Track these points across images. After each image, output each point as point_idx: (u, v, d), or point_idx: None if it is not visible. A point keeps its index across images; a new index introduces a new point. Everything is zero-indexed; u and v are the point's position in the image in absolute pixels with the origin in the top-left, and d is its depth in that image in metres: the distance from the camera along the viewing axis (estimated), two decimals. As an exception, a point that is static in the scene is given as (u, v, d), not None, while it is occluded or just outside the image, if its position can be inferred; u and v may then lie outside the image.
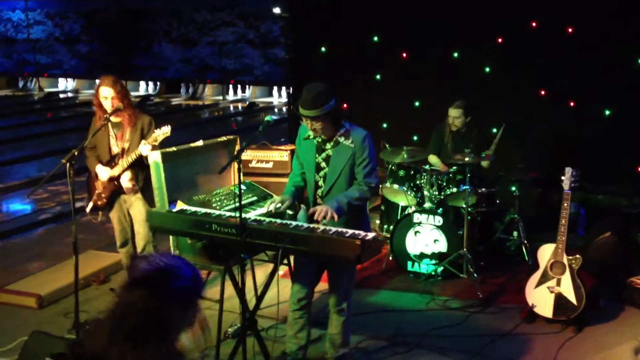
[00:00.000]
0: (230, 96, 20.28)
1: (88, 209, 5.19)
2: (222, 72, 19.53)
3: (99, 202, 5.16)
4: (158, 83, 21.01)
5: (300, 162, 4.26)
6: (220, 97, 20.05)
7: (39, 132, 14.85)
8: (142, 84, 21.22)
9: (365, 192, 4.07)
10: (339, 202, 3.98)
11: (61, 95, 21.23)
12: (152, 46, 20.17)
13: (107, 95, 4.94)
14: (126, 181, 5.07)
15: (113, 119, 4.99)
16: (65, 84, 22.24)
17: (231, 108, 19.16)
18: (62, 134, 14.33)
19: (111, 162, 5.09)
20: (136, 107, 5.15)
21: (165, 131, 4.80)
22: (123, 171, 5.03)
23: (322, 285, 4.59)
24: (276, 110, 18.54)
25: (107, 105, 4.95)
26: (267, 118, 4.27)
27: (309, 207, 4.20)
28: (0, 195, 9.60)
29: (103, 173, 5.08)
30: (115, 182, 5.09)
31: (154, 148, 4.78)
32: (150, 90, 21.07)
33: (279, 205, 4.13)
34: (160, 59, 20.18)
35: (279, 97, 19.50)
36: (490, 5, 7.38)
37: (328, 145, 4.11)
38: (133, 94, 20.22)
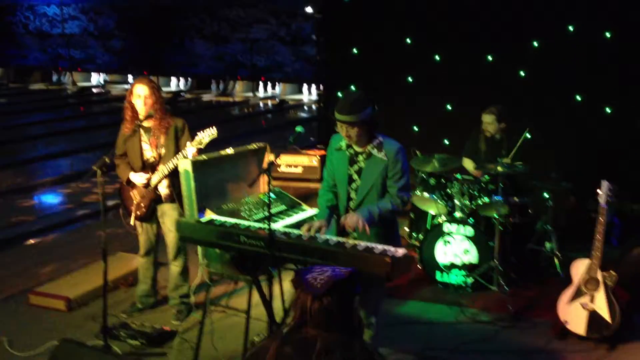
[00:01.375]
0: (261, 93, 20.31)
1: (132, 222, 5.14)
2: (253, 69, 19.56)
3: (139, 212, 5.09)
4: (189, 79, 21.14)
5: (332, 173, 4.21)
6: (251, 94, 20.10)
7: (71, 127, 15.01)
8: (174, 79, 21.38)
9: (398, 205, 4.02)
10: (370, 212, 3.92)
11: (94, 90, 21.50)
12: (184, 42, 20.28)
13: (141, 93, 4.85)
14: (164, 188, 5.00)
15: (146, 123, 4.94)
16: (98, 79, 22.50)
17: (261, 105, 19.19)
18: (94, 130, 14.50)
19: (144, 169, 5.01)
20: (168, 111, 5.05)
21: (211, 133, 4.70)
22: (163, 178, 4.96)
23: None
24: (306, 107, 18.53)
25: (140, 104, 4.87)
26: (298, 129, 4.22)
27: (339, 218, 4.15)
28: (33, 192, 9.71)
29: (139, 179, 4.99)
30: (155, 190, 5.03)
31: (199, 151, 4.71)
32: (182, 86, 21.21)
33: (317, 233, 4.04)
34: (192, 55, 20.28)
35: (309, 95, 19.47)
36: (526, 8, 7.24)
37: (360, 157, 4.06)
38: (164, 89, 20.47)
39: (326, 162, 4.27)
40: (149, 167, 5.01)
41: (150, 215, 5.15)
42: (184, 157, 4.71)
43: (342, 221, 3.98)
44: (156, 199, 5.08)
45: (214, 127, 4.75)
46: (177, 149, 4.94)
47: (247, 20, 19.38)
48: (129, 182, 5.07)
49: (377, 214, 3.94)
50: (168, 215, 5.09)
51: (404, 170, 4.01)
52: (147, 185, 5.02)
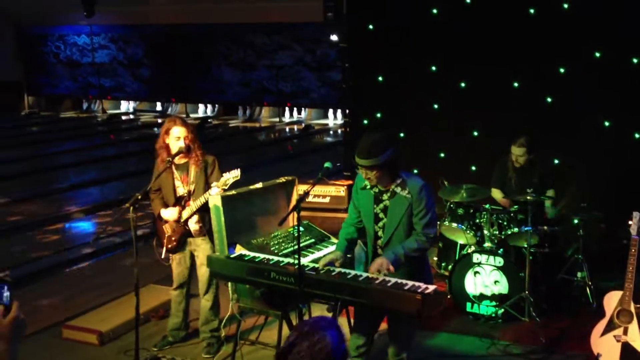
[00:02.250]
0: (287, 118, 20.48)
1: (163, 255, 5.23)
2: (279, 95, 19.74)
3: (169, 245, 5.19)
4: (216, 105, 21.41)
5: (357, 210, 4.24)
6: (277, 119, 20.27)
7: (102, 155, 15.24)
8: (201, 106, 21.67)
9: (424, 242, 4.03)
10: (396, 255, 3.96)
11: (123, 117, 21.85)
12: (211, 69, 20.55)
13: (179, 135, 4.99)
14: (194, 223, 5.11)
15: (178, 160, 5.05)
16: (127, 106, 22.89)
17: (287, 130, 19.33)
18: (125, 157, 14.71)
19: (177, 204, 5.12)
20: (201, 148, 5.15)
21: (235, 175, 4.83)
22: (193, 214, 5.06)
23: (384, 325, 4.49)
24: (331, 132, 18.60)
25: (177, 144, 4.98)
26: (327, 165, 4.28)
27: (369, 255, 4.18)
28: (65, 222, 9.86)
29: (169, 214, 5.12)
30: (185, 225, 5.12)
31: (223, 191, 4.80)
32: (209, 113, 21.48)
33: (331, 264, 4.11)
34: (219, 82, 20.54)
35: (334, 119, 19.58)
36: (552, 34, 7.22)
37: (385, 196, 4.08)
38: (192, 116, 20.75)
39: (352, 198, 4.31)
40: (181, 203, 5.11)
41: (181, 248, 5.22)
42: (206, 197, 4.84)
43: (370, 268, 4.02)
44: (187, 233, 5.17)
45: (238, 169, 4.83)
46: (207, 184, 5.03)
47: (272, 47, 19.60)
48: (160, 216, 5.17)
49: (403, 254, 3.96)
50: (201, 249, 5.17)
51: (429, 207, 4.03)
52: (178, 220, 5.10)
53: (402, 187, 4.03)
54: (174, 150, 4.99)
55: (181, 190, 5.13)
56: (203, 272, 5.16)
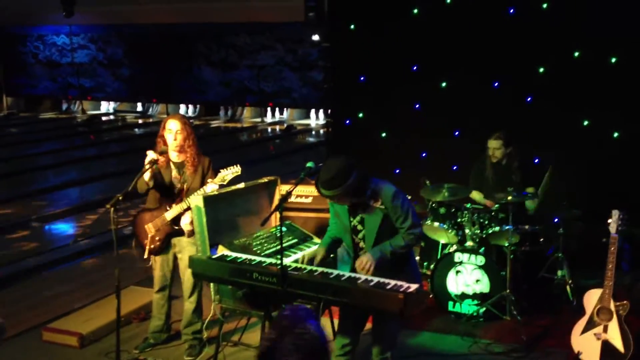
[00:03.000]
0: (268, 118, 20.43)
1: (145, 255, 5.13)
2: (261, 95, 19.69)
3: (153, 246, 5.08)
4: (198, 106, 21.30)
5: (336, 221, 4.25)
6: (259, 120, 20.22)
7: (82, 156, 15.11)
8: (182, 106, 21.53)
9: (411, 239, 4.06)
10: (382, 252, 3.99)
11: (103, 118, 21.68)
12: (192, 69, 20.45)
13: (172, 128, 4.95)
14: (187, 224, 5.00)
15: (176, 159, 5.02)
16: (107, 107, 22.70)
17: (269, 130, 19.29)
18: (105, 158, 14.61)
19: (169, 201, 5.03)
20: (200, 150, 5.09)
21: (235, 170, 4.81)
22: (183, 213, 4.98)
23: (369, 325, 4.48)
24: (313, 132, 18.59)
25: (170, 139, 4.95)
26: (309, 164, 4.28)
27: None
28: (44, 223, 9.76)
29: (150, 154, 4.93)
30: (174, 225, 5.04)
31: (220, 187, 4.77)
32: (190, 113, 21.35)
33: (311, 260, 4.14)
34: (200, 82, 20.45)
35: (316, 120, 19.57)
36: (531, 34, 7.28)
37: (359, 210, 4.10)
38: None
39: (330, 209, 4.31)
40: (172, 200, 5.03)
41: (164, 249, 5.16)
42: (205, 193, 4.77)
43: (356, 265, 4.03)
44: (172, 234, 5.09)
45: (238, 165, 4.82)
46: (202, 184, 4.97)
47: (253, 47, 19.55)
48: (141, 215, 5.09)
49: (390, 251, 4.00)
50: (187, 250, 5.06)
51: (407, 210, 4.04)
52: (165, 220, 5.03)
53: (374, 199, 4.04)
54: (168, 143, 4.96)
55: (177, 189, 5.05)
56: (188, 275, 5.05)
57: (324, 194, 3.98)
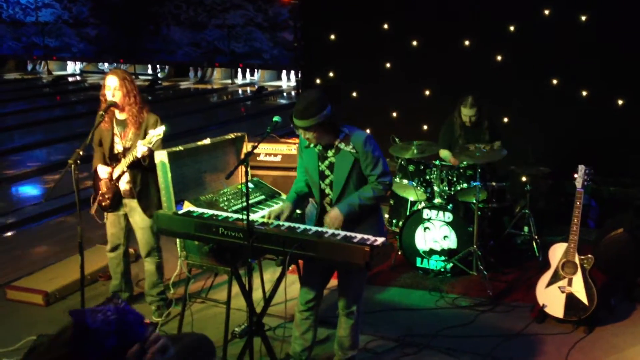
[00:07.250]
0: (239, 80, 20.18)
1: (93, 210, 5.02)
2: (231, 56, 19.41)
3: (103, 203, 4.98)
4: (166, 67, 20.94)
5: (303, 168, 4.20)
6: (229, 81, 19.96)
7: (48, 117, 14.80)
8: (151, 67, 21.15)
9: (380, 190, 4.02)
10: (350, 205, 3.96)
11: (70, 79, 21.22)
12: (160, 29, 20.04)
13: (110, 84, 4.72)
14: (124, 183, 4.87)
15: (119, 116, 4.87)
16: (74, 67, 22.21)
17: (240, 92, 19.08)
18: (71, 119, 14.34)
19: (113, 161, 4.89)
20: (145, 106, 4.90)
21: (158, 132, 4.56)
22: (123, 172, 4.85)
23: (333, 282, 4.48)
24: (285, 94, 18.44)
25: (109, 96, 4.73)
26: (275, 118, 4.18)
27: (321, 210, 4.17)
28: (10, 184, 9.58)
29: (102, 172, 4.90)
30: (117, 184, 4.91)
31: (157, 148, 4.61)
32: (159, 74, 21.00)
33: (278, 216, 4.10)
34: (169, 42, 20.07)
35: (287, 81, 19.39)
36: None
37: (330, 153, 4.05)
38: (142, 77, 20.25)
39: (298, 156, 4.26)
40: (117, 160, 4.88)
41: (114, 208, 5.01)
42: (134, 155, 4.65)
43: (324, 220, 4.00)
44: (119, 193, 4.96)
45: (163, 126, 4.58)
46: None
47: (223, 6, 19.18)
48: (96, 171, 4.99)
49: (358, 204, 3.96)
50: (136, 211, 4.95)
51: (377, 157, 4.00)
52: (110, 178, 4.92)
53: (345, 142, 3.99)
54: (108, 100, 4.74)
55: (119, 147, 4.88)
56: (140, 235, 4.96)
57: (298, 124, 3.88)
